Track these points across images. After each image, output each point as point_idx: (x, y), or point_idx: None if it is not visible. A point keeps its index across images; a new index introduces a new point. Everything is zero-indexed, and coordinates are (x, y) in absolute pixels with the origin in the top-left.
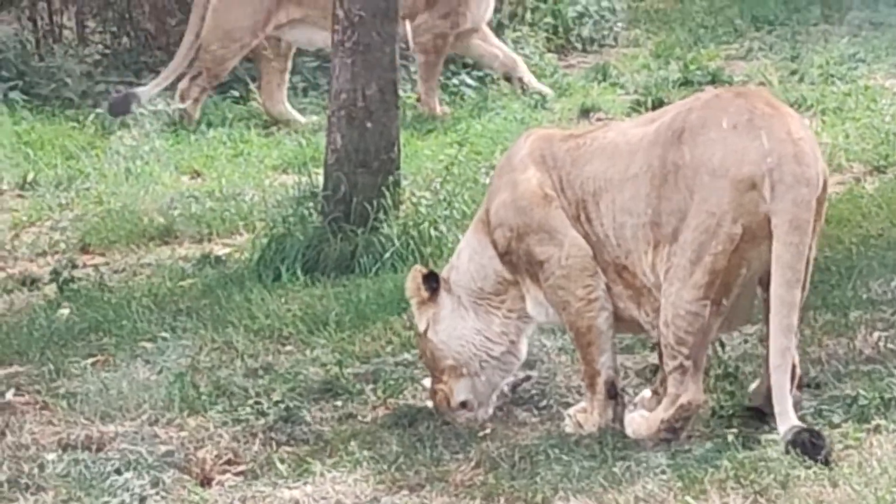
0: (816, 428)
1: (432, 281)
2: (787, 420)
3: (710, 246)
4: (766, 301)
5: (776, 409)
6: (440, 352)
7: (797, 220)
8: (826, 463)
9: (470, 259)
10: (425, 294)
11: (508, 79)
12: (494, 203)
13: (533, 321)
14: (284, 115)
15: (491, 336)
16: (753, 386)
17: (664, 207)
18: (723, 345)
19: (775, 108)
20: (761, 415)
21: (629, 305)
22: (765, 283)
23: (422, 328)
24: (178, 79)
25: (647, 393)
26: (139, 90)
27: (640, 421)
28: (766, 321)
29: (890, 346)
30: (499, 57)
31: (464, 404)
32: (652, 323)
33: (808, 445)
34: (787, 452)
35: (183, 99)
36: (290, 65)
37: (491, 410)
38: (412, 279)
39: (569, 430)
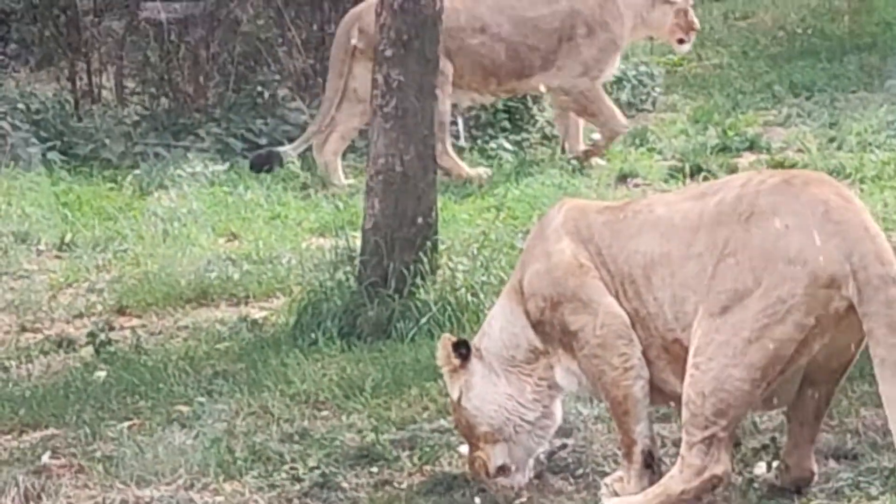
0: None
1: (462, 349)
2: None
3: (776, 331)
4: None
5: None
6: (474, 418)
7: (892, 320)
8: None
9: (502, 328)
10: (456, 362)
11: (566, 152)
12: (527, 273)
13: (563, 390)
14: (331, 164)
15: (523, 402)
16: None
17: (716, 285)
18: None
19: (847, 201)
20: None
21: (671, 379)
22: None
23: (455, 396)
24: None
25: None
26: (282, 149)
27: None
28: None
29: None
30: (568, 124)
31: (502, 469)
32: None
33: None
34: None
35: None
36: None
37: (528, 476)
38: (442, 348)
39: (605, 499)
